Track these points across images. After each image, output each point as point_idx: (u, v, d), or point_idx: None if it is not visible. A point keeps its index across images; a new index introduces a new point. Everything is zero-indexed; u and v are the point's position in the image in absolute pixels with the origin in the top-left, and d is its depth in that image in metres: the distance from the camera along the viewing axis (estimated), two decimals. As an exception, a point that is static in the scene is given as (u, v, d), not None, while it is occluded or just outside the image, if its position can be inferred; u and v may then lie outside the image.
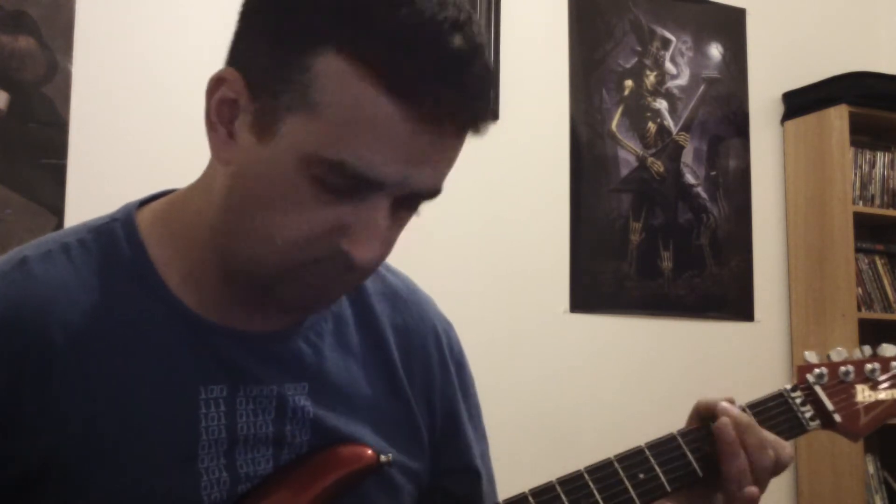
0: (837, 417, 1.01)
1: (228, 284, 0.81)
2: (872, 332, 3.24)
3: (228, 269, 0.80)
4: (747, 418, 0.94)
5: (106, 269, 0.81)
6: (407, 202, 0.76)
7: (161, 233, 0.84)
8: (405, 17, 0.68)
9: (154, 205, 0.87)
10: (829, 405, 1.01)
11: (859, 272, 3.24)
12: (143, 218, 0.85)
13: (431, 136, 0.71)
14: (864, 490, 3.09)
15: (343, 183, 0.71)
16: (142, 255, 0.82)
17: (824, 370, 1.03)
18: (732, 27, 3.41)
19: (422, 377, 0.95)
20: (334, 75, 0.69)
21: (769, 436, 0.94)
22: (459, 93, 0.70)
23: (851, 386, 1.03)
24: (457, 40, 0.69)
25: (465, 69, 0.70)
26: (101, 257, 0.82)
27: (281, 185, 0.73)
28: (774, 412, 0.99)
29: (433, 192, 0.76)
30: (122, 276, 0.81)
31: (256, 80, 0.74)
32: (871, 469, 3.16)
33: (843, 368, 1.04)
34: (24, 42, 2.39)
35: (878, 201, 3.32)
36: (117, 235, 0.83)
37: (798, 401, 1.01)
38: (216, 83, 0.76)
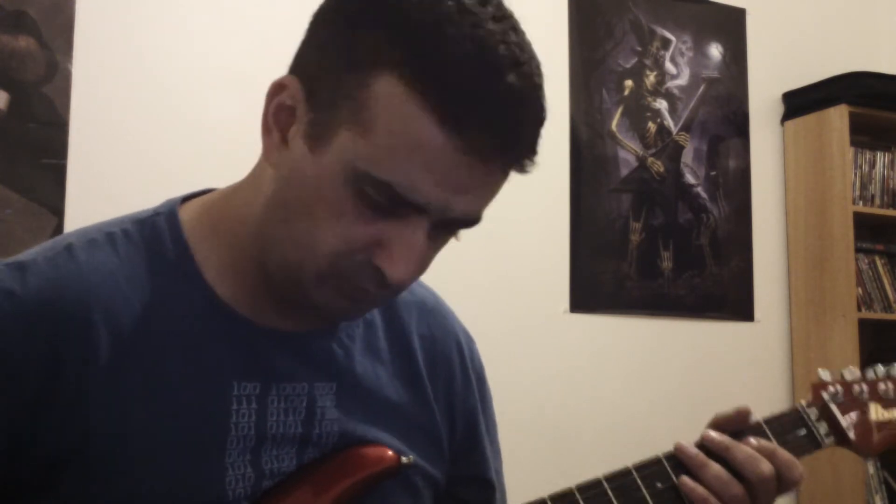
0: (852, 435, 1.03)
1: (266, 283, 0.83)
2: (872, 332, 3.25)
3: (268, 269, 0.81)
4: (729, 441, 0.93)
5: (149, 261, 0.83)
6: (446, 226, 0.77)
7: (203, 229, 0.85)
8: (467, 51, 0.70)
9: (196, 201, 0.88)
10: (844, 422, 1.03)
11: (859, 272, 3.25)
12: (186, 214, 0.86)
13: (478, 168, 0.73)
14: (864, 490, 3.09)
15: (387, 202, 0.73)
16: (184, 249, 0.84)
17: (839, 388, 1.05)
18: (732, 27, 3.41)
19: (445, 387, 0.96)
20: (392, 98, 0.71)
21: (783, 455, 0.93)
22: (510, 130, 0.72)
23: (865, 404, 1.05)
24: (513, 78, 0.71)
25: (518, 108, 0.72)
26: (145, 250, 0.83)
27: (326, 195, 0.74)
28: (790, 427, 1.00)
29: (473, 220, 0.77)
30: (164, 269, 0.83)
31: (316, 90, 0.75)
32: (871, 469, 3.16)
33: (856, 387, 1.05)
34: (24, 42, 2.39)
35: (878, 201, 3.32)
36: (161, 229, 0.84)
37: (813, 417, 1.02)
38: (276, 88, 0.78)
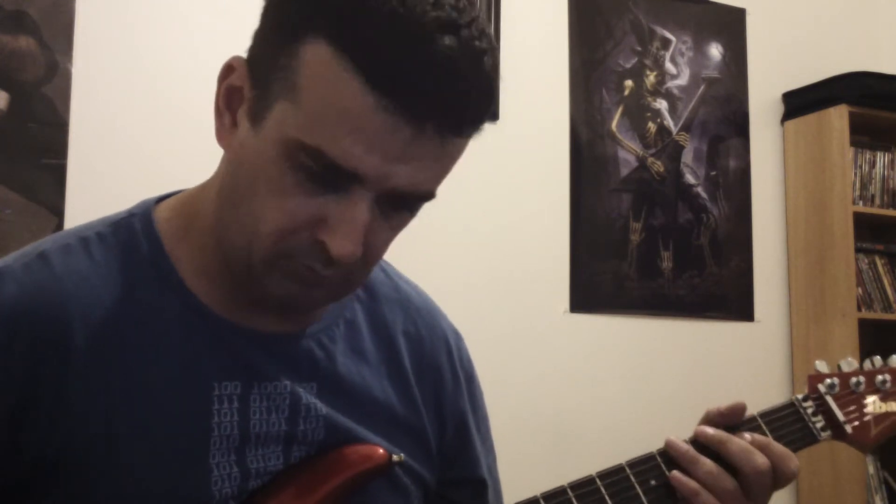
0: (848, 428, 1.01)
1: (237, 282, 0.82)
2: (872, 332, 3.24)
3: (227, 262, 0.80)
4: (724, 434, 0.92)
5: (124, 264, 0.82)
6: (397, 203, 0.75)
7: (177, 229, 0.84)
8: (394, 12, 0.68)
9: (170, 201, 0.88)
10: (840, 416, 1.01)
11: (859, 272, 3.24)
12: (160, 214, 0.86)
13: (411, 133, 0.70)
14: (864, 490, 3.09)
15: (323, 172, 0.71)
16: (159, 250, 0.83)
17: (835, 380, 1.03)
18: (732, 27, 3.41)
19: (433, 386, 0.95)
20: (318, 63, 0.69)
21: (777, 448, 0.92)
22: (442, 93, 0.69)
23: (862, 396, 1.03)
24: (445, 40, 0.68)
25: (451, 70, 0.69)
26: (120, 252, 0.82)
27: (266, 171, 0.73)
28: (786, 421, 0.99)
29: (421, 194, 0.75)
30: (140, 271, 0.82)
31: (255, 67, 0.75)
32: (871, 469, 3.16)
33: (853, 379, 1.03)
34: (24, 42, 2.39)
35: (878, 201, 3.32)
36: (135, 230, 0.84)
37: (809, 411, 1.01)
38: (226, 71, 0.77)
